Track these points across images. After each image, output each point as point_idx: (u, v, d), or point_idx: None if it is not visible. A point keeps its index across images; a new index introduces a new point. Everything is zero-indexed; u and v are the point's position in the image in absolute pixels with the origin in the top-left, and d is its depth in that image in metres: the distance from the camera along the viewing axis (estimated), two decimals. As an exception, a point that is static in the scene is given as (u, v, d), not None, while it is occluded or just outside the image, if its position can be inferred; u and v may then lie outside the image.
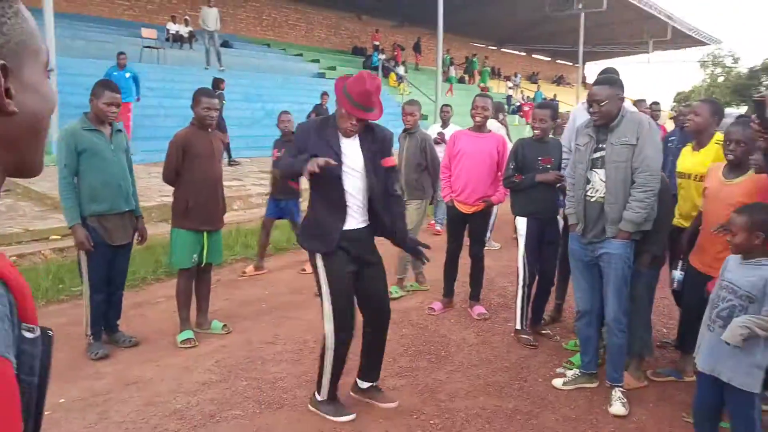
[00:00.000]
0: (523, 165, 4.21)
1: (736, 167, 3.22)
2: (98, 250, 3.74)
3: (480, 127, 4.67)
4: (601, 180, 3.31)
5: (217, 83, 11.40)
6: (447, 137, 7.24)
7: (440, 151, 7.18)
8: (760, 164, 2.97)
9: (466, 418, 3.23)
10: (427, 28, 28.11)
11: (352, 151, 3.03)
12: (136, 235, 4.07)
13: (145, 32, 15.15)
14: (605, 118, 3.26)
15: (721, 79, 48.36)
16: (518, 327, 4.30)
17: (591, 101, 3.28)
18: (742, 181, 3.18)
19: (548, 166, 4.14)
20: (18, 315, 0.57)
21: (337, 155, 2.95)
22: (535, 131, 4.23)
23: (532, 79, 35.36)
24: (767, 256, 2.55)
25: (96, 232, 3.72)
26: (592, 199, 3.36)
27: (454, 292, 4.97)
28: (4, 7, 0.59)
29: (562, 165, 4.17)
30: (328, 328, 3.07)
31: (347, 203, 3.01)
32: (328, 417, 3.14)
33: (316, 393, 3.20)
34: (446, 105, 7.93)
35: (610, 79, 3.35)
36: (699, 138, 3.81)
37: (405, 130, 5.30)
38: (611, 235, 3.29)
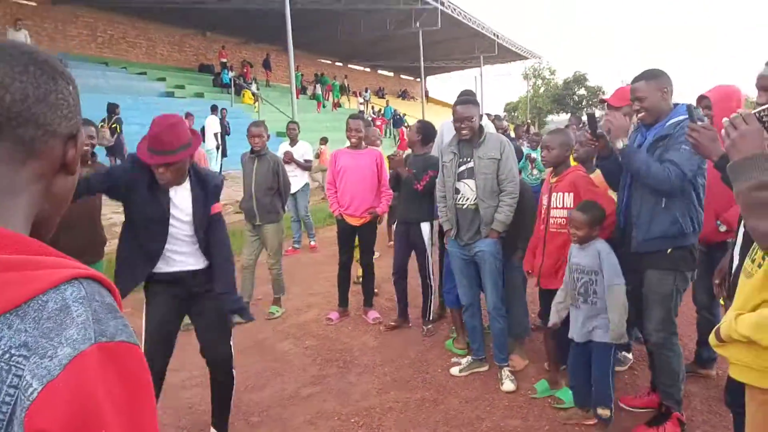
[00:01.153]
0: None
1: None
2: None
3: (357, 146, 5.03)
4: (471, 189, 3.82)
5: (113, 108, 10.91)
6: (295, 155, 7.38)
7: (289, 170, 7.27)
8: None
9: (382, 412, 3.53)
10: (274, 44, 28.19)
11: (181, 200, 2.87)
12: None
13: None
14: (473, 133, 3.79)
15: (542, 90, 54.24)
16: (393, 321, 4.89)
17: (464, 119, 3.76)
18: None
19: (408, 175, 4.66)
20: None
21: (164, 209, 2.81)
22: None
23: (379, 93, 36.92)
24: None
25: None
26: (464, 206, 3.86)
27: (348, 301, 5.25)
28: (76, 89, 0.79)
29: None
30: None
31: (165, 250, 2.86)
32: None
33: None
34: (293, 122, 7.82)
35: (474, 99, 3.89)
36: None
37: (253, 152, 5.08)
38: (485, 234, 3.81)
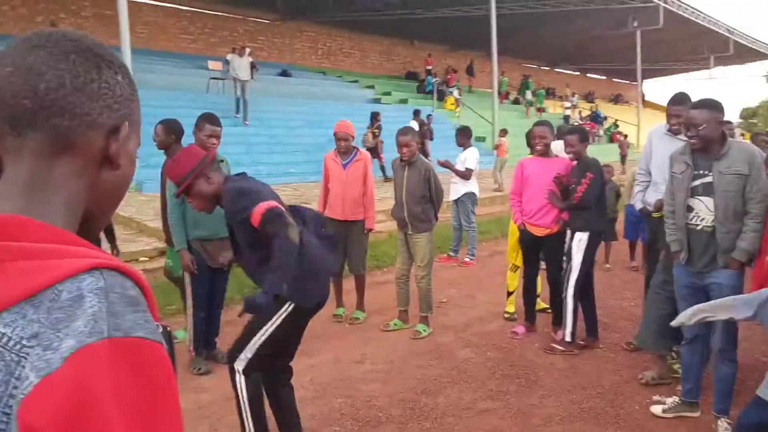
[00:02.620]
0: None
1: None
2: (201, 272, 3.93)
3: (544, 153, 4.68)
4: (708, 209, 3.22)
5: (375, 116, 13.06)
6: (458, 161, 7.05)
7: (443, 175, 6.90)
8: None
9: (565, 443, 3.20)
10: (479, 50, 28.23)
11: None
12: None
13: (212, 64, 15.82)
14: (704, 142, 3.20)
15: (789, 94, 46.24)
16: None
17: (688, 125, 3.23)
18: None
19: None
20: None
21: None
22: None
23: (589, 98, 34.85)
24: None
25: (199, 255, 3.92)
26: (698, 227, 3.27)
27: (535, 317, 4.92)
28: (128, 78, 0.73)
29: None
30: None
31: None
32: None
33: None
34: (463, 128, 7.51)
35: (708, 102, 3.27)
36: None
37: (403, 160, 4.74)
38: (723, 264, 3.21)
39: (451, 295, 5.93)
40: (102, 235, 4.11)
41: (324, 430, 3.27)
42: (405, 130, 4.75)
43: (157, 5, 20.45)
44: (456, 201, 7.24)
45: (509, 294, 5.28)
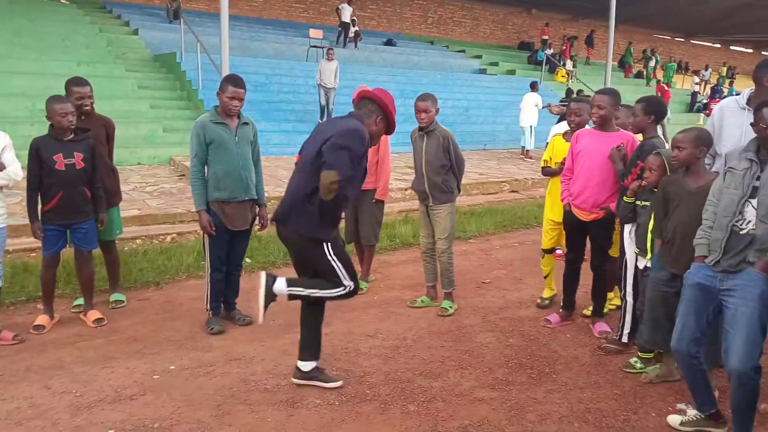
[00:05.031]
0: None
1: None
2: (218, 234, 4.04)
3: (603, 125, 4.19)
4: (754, 209, 2.76)
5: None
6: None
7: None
8: None
9: (555, 444, 2.94)
10: (603, 19, 26.26)
11: None
12: (257, 221, 4.31)
13: (313, 33, 16.13)
14: None
15: None
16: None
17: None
18: None
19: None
20: None
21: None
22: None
23: (729, 74, 31.32)
24: None
25: (217, 217, 4.02)
26: (742, 232, 2.78)
27: (575, 305, 4.55)
28: None
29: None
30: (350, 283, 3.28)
31: None
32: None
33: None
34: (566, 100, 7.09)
35: None
36: None
37: (421, 129, 4.49)
38: (754, 258, 2.74)
39: (497, 276, 5.66)
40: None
41: (305, 400, 3.26)
42: (425, 96, 4.45)
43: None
44: None
45: (545, 279, 4.93)
